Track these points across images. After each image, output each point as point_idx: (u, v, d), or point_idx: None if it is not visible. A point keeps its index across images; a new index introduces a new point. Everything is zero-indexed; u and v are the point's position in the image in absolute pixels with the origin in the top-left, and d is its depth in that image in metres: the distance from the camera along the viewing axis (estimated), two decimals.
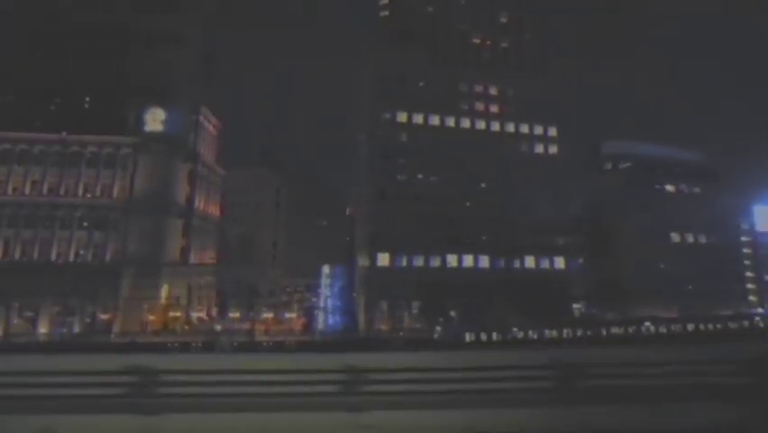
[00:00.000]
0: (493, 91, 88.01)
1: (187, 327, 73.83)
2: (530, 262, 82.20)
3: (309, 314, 74.40)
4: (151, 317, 70.21)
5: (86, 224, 70.32)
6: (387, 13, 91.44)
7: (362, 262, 80.00)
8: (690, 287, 79.27)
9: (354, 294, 79.56)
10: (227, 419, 7.62)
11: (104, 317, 69.87)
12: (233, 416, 7.65)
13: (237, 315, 75.94)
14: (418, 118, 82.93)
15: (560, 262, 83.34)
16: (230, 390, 7.77)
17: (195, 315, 76.20)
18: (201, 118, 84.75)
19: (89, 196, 71.37)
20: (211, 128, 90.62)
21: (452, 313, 76.16)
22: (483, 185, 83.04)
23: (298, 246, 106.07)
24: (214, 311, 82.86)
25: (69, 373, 7.87)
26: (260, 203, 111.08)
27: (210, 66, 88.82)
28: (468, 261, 79.68)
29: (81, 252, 70.22)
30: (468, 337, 66.08)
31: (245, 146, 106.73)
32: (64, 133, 72.33)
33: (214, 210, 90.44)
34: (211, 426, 7.59)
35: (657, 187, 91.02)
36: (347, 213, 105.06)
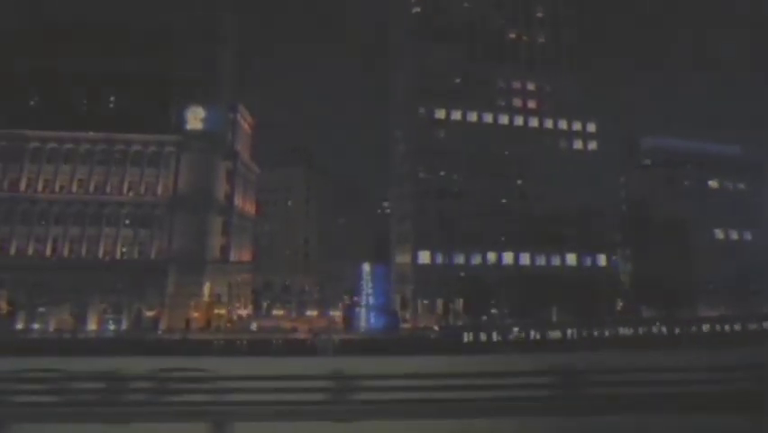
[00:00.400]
0: (531, 87, 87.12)
1: (229, 325, 74.27)
2: (571, 259, 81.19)
3: (349, 311, 74.29)
4: (195, 315, 70.74)
5: (129, 221, 71.01)
6: (418, 9, 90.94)
7: (401, 259, 79.72)
8: (735, 284, 77.48)
9: (393, 292, 79.29)
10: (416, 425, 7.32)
11: (149, 313, 70.53)
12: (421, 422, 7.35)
13: (281, 312, 76.02)
14: (456, 115, 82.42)
15: (602, 260, 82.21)
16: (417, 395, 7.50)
17: (236, 312, 76.54)
18: (238, 116, 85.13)
19: (134, 194, 72.06)
20: (246, 126, 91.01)
21: (494, 311, 75.56)
22: (522, 182, 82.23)
23: (329, 244, 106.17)
24: (251, 309, 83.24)
25: (270, 378, 7.54)
26: (292, 201, 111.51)
27: (244, 64, 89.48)
28: (508, 258, 78.97)
29: (127, 249, 70.95)
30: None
31: (276, 145, 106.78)
32: (90, 133, 73.30)
33: (250, 208, 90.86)
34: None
35: (700, 182, 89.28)
36: (379, 211, 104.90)
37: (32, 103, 75.04)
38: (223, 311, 73.17)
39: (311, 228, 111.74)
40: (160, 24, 78.04)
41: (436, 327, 65.85)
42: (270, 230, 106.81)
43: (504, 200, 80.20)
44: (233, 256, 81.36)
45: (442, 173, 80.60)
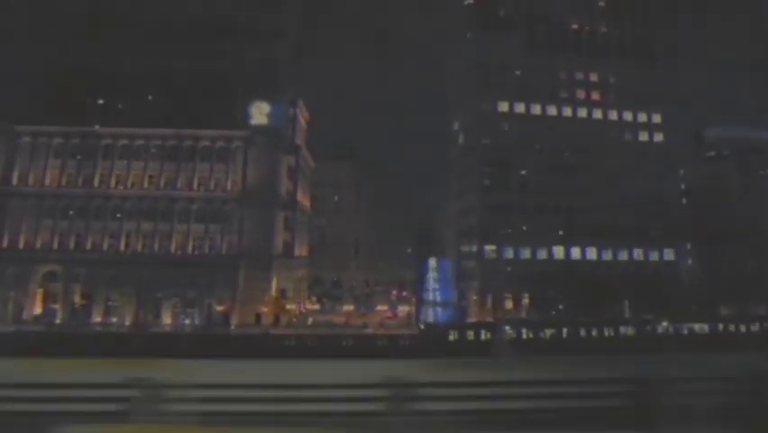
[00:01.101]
0: (594, 78, 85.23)
1: (295, 320, 74.70)
2: (639, 254, 79.45)
3: (418, 307, 74.09)
4: (265, 310, 71.27)
5: (200, 217, 71.70)
6: (471, 1, 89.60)
7: (465, 254, 78.99)
8: None
9: (456, 287, 78.66)
10: None
11: (219, 308, 71.28)
12: None
13: (351, 308, 76.15)
14: (519, 107, 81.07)
15: (670, 254, 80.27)
16: None
17: (304, 307, 76.91)
18: (297, 111, 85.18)
19: (204, 189, 72.73)
20: (303, 121, 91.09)
21: (561, 306, 74.46)
22: (586, 175, 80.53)
23: (381, 239, 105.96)
24: (316, 304, 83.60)
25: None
26: (342, 196, 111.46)
27: (301, 60, 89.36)
28: (575, 253, 77.65)
29: (198, 244, 71.73)
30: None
31: (327, 139, 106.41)
32: (160, 130, 74.04)
33: (306, 203, 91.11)
34: None
35: None
36: (432, 205, 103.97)
37: (103, 101, 76.04)
38: (291, 306, 73.57)
39: (361, 223, 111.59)
40: (220, 20, 78.51)
41: (507, 326, 65.17)
42: (323, 225, 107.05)
43: (569, 194, 78.72)
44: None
45: (505, 168, 79.44)
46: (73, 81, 75.81)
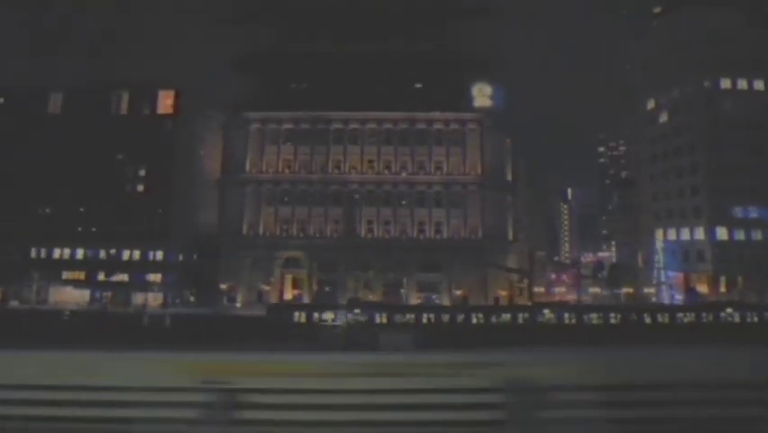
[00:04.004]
0: None
1: (529, 303, 74.45)
2: None
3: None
4: (503, 293, 71.20)
5: (439, 201, 71.23)
6: None
7: (702, 234, 76.67)
8: None
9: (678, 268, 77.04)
10: None
11: (458, 292, 71.33)
12: None
13: (598, 290, 75.72)
14: (742, 83, 78.25)
15: None
16: None
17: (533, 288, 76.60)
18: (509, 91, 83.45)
19: (440, 173, 71.99)
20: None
21: None
22: None
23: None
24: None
25: None
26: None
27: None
28: None
29: (436, 228, 71.41)
30: None
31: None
32: (392, 113, 72.96)
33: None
34: None
35: None
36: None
37: (328, 85, 75.07)
38: (524, 286, 73.41)
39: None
40: (436, 3, 76.60)
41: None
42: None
43: None
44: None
45: (724, 146, 77.10)
46: (292, 66, 75.19)
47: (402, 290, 69.38)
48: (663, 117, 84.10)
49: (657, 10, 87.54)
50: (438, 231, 71.39)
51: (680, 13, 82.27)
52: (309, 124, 72.86)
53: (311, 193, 71.55)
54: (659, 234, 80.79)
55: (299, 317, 54.54)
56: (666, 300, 71.78)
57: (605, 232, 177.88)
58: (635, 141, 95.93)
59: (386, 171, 71.96)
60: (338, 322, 51.91)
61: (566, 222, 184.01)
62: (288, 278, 70.02)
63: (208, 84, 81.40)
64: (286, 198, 71.42)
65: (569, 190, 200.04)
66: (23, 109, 74.12)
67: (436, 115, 72.42)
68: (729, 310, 65.81)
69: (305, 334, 45.25)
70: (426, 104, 73.49)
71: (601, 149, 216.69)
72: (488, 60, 75.35)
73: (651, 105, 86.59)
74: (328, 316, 53.93)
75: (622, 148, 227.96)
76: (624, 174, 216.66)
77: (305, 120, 72.86)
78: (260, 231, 71.31)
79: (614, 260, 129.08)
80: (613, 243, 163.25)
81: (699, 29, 78.43)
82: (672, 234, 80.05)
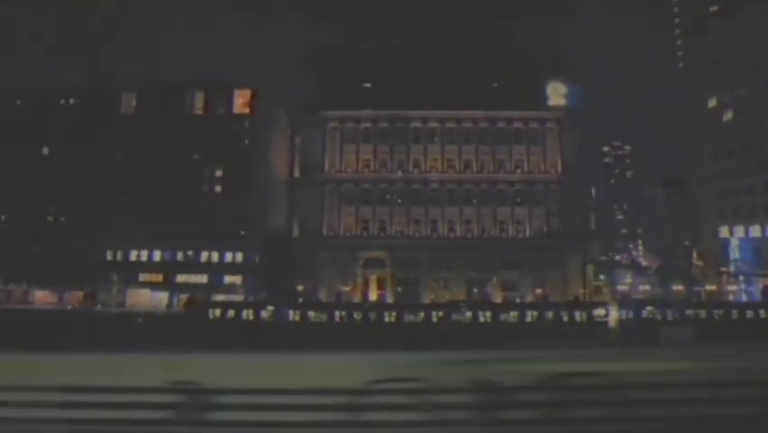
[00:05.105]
0: None
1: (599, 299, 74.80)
2: None
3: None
4: (582, 291, 71.41)
5: (521, 199, 71.31)
6: None
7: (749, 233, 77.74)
8: None
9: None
10: None
11: (538, 291, 71.42)
12: None
13: (647, 287, 76.25)
14: None
15: None
16: None
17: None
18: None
19: (521, 171, 72.07)
20: None
21: None
22: None
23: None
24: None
25: None
26: None
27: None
28: None
29: (517, 228, 71.46)
30: None
31: None
32: (472, 112, 73.00)
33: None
34: None
35: None
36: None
37: (400, 83, 74.74)
38: (600, 284, 73.80)
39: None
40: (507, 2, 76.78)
41: None
42: None
43: None
44: None
45: None
46: (365, 64, 74.83)
47: (488, 289, 69.37)
48: (728, 116, 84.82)
49: (714, 9, 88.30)
50: (519, 230, 71.45)
51: (743, 13, 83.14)
52: (388, 123, 72.58)
53: (391, 192, 71.26)
54: (723, 231, 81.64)
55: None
56: (744, 298, 72.51)
57: (624, 231, 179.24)
58: (691, 140, 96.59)
59: (467, 171, 71.88)
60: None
61: None
62: (373, 278, 69.55)
63: (272, 84, 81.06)
64: (366, 198, 71.04)
65: None
66: (96, 110, 73.06)
67: (517, 113, 72.45)
68: None
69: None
70: (503, 102, 73.54)
71: (606, 148, 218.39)
72: (560, 59, 75.62)
73: (713, 103, 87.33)
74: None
75: (627, 147, 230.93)
76: (629, 174, 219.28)
77: (383, 119, 72.57)
78: (341, 231, 70.84)
79: (640, 258, 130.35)
80: (639, 242, 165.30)
81: (764, 28, 79.33)
82: (739, 232, 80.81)
